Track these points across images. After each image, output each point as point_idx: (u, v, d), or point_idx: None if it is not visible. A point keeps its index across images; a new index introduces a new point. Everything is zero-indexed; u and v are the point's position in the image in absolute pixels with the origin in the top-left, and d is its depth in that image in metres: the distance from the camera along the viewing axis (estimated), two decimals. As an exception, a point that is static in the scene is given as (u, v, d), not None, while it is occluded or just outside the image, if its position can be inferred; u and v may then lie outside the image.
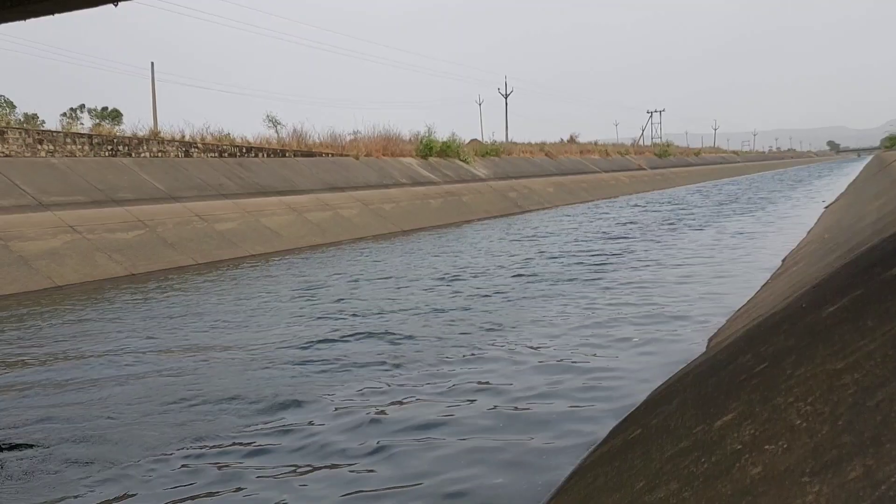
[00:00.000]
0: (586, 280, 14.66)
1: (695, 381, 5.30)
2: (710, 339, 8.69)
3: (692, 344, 8.73)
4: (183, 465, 5.88)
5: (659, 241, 21.39)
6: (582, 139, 75.74)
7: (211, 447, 6.22)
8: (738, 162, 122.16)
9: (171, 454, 6.09)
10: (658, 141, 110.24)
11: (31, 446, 6.34)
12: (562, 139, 72.38)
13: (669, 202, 42.23)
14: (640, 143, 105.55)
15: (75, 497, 5.39)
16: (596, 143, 75.86)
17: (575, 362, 8.37)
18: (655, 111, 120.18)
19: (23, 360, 9.74)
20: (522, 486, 5.22)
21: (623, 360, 8.35)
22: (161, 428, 6.70)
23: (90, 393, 7.95)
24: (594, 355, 8.64)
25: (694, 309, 11.04)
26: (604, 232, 25.36)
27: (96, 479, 5.65)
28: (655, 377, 7.37)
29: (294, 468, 5.76)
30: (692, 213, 32.26)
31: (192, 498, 5.31)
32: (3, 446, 6.33)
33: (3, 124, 22.91)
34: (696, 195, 48.73)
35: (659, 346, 8.95)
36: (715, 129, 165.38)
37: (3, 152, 20.81)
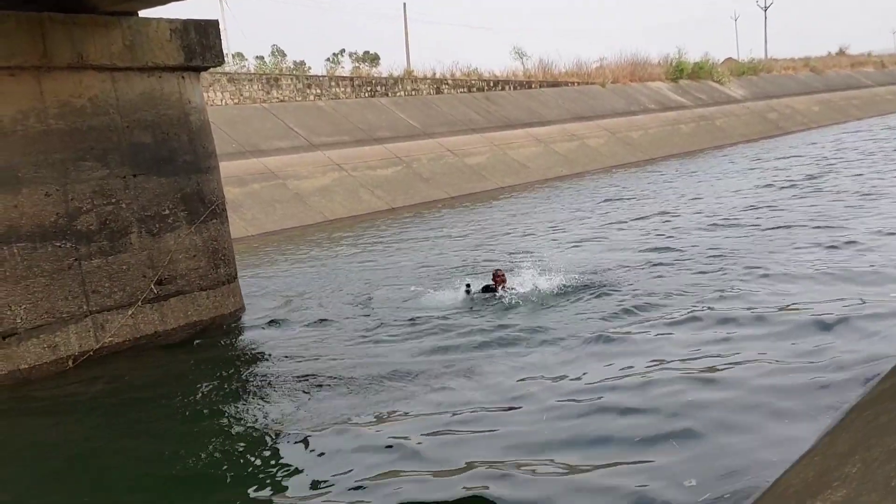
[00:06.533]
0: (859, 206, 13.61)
1: None
2: None
3: None
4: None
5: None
6: (853, 51, 67.96)
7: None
8: None
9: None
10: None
11: None
12: (829, 53, 65.48)
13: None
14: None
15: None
16: (870, 55, 67.74)
17: (853, 290, 7.87)
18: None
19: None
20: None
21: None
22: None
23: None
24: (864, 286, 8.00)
25: None
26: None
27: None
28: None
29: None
30: None
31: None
32: None
33: (277, 72, 25.09)
34: None
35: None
36: None
37: (278, 98, 22.86)
